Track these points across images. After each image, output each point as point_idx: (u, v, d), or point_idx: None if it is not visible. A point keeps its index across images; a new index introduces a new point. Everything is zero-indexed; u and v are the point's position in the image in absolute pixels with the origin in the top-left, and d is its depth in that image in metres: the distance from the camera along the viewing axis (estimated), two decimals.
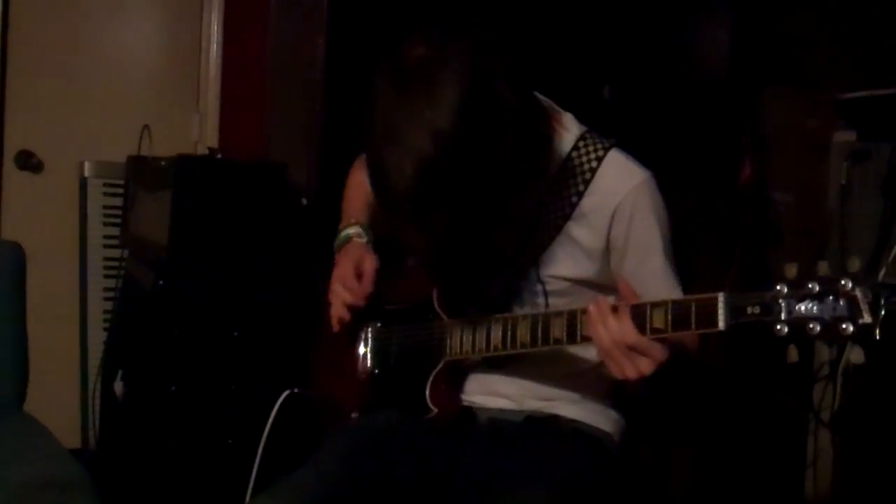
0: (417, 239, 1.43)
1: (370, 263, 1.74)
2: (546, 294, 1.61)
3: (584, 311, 1.44)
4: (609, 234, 1.58)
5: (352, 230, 1.82)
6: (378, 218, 1.85)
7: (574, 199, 1.58)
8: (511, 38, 1.46)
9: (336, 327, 1.78)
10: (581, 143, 1.60)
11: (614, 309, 1.40)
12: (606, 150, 1.59)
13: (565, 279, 1.62)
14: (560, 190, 1.59)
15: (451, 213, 1.37)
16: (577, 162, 1.59)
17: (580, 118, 1.66)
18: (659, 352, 1.38)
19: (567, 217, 1.58)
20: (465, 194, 1.35)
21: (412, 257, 1.76)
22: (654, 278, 1.57)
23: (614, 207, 1.57)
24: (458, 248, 1.46)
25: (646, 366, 1.38)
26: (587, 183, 1.58)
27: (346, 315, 1.75)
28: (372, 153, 1.41)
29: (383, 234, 1.82)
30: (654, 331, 1.37)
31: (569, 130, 1.62)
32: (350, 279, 1.72)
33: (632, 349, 1.37)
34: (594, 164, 1.58)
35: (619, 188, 1.57)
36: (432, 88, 1.34)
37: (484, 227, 1.42)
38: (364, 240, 1.81)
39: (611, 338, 1.38)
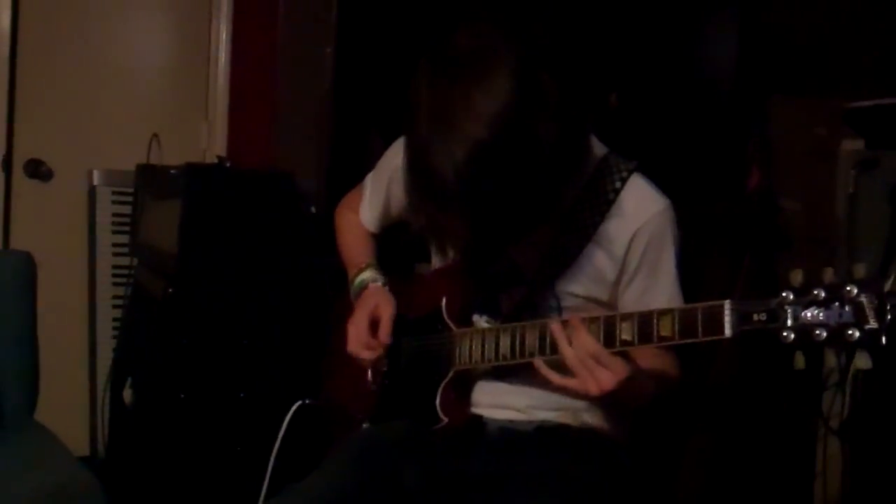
0: (458, 226, 1.42)
1: (386, 309, 1.72)
2: (560, 309, 1.62)
3: (591, 321, 1.46)
4: (625, 258, 1.60)
5: (365, 275, 1.81)
6: (402, 214, 1.85)
7: (597, 219, 1.59)
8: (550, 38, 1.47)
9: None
10: (604, 164, 1.61)
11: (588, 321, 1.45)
12: (630, 172, 1.60)
13: (579, 296, 1.63)
14: (584, 209, 1.60)
15: (498, 198, 1.36)
16: (601, 181, 1.60)
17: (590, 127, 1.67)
18: (620, 366, 1.42)
19: (588, 238, 1.60)
20: (512, 180, 1.35)
21: (448, 250, 1.72)
22: (658, 303, 1.58)
23: (633, 232, 1.58)
24: (500, 235, 1.46)
25: (607, 380, 1.41)
26: (610, 204, 1.59)
27: (377, 367, 1.76)
28: (417, 140, 1.41)
29: (414, 228, 1.82)
30: (661, 339, 1.39)
31: (594, 144, 1.63)
32: (365, 335, 1.72)
33: (594, 359, 1.41)
34: (618, 185, 1.59)
35: (640, 214, 1.58)
36: (484, 75, 1.35)
37: (527, 213, 1.42)
38: (380, 282, 1.80)
39: (573, 351, 1.43)
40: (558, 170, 1.40)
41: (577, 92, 1.44)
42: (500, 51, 1.38)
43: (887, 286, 1.23)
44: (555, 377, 1.47)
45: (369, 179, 1.93)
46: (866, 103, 2.47)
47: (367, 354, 1.72)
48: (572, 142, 1.43)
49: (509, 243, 1.56)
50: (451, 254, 1.73)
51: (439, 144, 1.35)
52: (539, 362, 1.50)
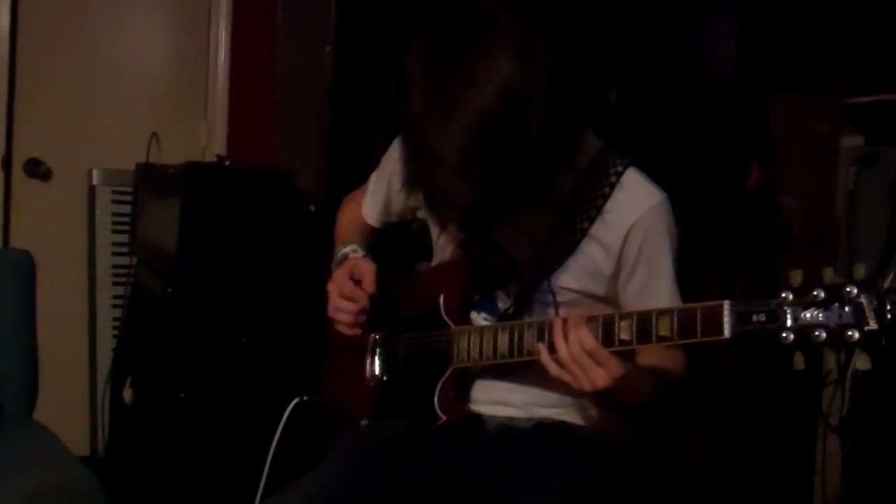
0: (458, 195, 1.42)
1: (367, 266, 1.72)
2: (556, 304, 1.62)
3: (589, 320, 1.46)
4: (621, 252, 1.60)
5: (347, 248, 1.81)
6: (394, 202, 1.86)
7: (593, 213, 1.59)
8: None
9: (352, 336, 1.76)
10: (600, 158, 1.61)
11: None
12: (625, 167, 1.60)
13: (575, 291, 1.63)
14: (580, 204, 1.60)
15: (496, 166, 1.38)
16: (596, 176, 1.60)
17: (587, 122, 1.67)
18: (615, 365, 1.41)
19: (584, 232, 1.59)
20: (508, 147, 1.38)
21: (447, 222, 1.70)
22: (658, 298, 1.58)
23: (629, 227, 1.58)
24: (498, 202, 1.46)
25: (600, 377, 1.41)
26: (605, 198, 1.59)
27: (356, 323, 1.73)
28: (415, 109, 1.42)
29: (414, 228, 1.81)
30: (660, 339, 1.39)
31: (590, 139, 1.63)
32: (346, 285, 1.70)
33: (590, 356, 1.41)
34: (613, 179, 1.59)
35: (635, 208, 1.58)
36: (484, 46, 1.38)
37: (525, 182, 1.43)
38: (360, 254, 1.80)
39: (567, 347, 1.42)
40: (553, 138, 1.41)
41: (572, 65, 1.45)
42: (499, 21, 1.40)
43: (887, 283, 1.22)
44: (553, 367, 1.47)
45: (373, 175, 1.94)
46: (866, 99, 2.47)
47: (349, 306, 1.69)
48: (566, 113, 1.45)
49: (505, 212, 1.54)
50: (442, 243, 1.73)
51: (439, 114, 1.37)
52: (541, 346, 1.49)
